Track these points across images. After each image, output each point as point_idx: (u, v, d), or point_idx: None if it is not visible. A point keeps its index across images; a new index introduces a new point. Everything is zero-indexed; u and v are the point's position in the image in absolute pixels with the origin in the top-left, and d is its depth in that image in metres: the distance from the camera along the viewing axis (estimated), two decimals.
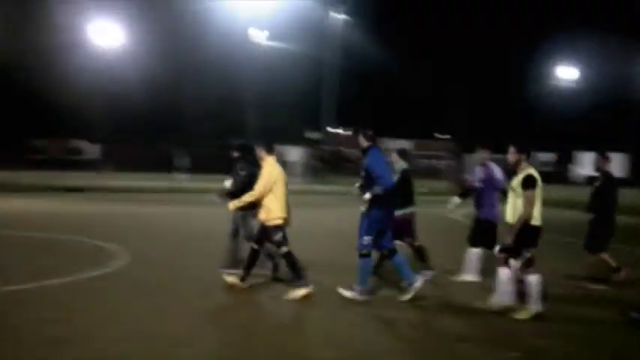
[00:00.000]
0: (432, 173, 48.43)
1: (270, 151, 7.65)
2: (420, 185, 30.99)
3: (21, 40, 43.62)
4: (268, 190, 7.39)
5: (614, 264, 8.80)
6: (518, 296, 7.04)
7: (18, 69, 43.64)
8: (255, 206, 7.61)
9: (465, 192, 9.10)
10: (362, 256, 7.31)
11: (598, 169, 9.06)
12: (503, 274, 6.96)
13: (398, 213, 8.00)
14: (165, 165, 36.44)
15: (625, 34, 48.51)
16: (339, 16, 45.24)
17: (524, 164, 7.05)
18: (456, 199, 8.96)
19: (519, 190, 6.90)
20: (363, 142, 7.56)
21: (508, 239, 6.86)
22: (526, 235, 6.79)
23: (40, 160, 38.32)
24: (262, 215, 7.48)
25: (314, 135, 57.48)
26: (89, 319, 6.29)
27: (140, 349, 5.40)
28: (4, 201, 18.08)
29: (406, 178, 8.64)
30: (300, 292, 7.30)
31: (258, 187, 7.40)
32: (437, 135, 62.25)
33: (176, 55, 49.53)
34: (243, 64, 45.42)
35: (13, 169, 24.87)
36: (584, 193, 9.65)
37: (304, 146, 48.71)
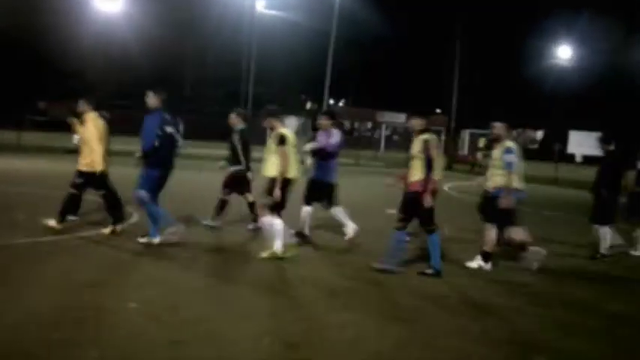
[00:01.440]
0: None
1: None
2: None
3: (25, 3, 43.82)
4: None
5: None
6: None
7: (22, 32, 43.85)
8: None
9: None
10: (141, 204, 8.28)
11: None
12: (267, 221, 7.97)
13: (230, 169, 9.77)
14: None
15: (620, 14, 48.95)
16: None
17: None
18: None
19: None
20: (153, 102, 8.30)
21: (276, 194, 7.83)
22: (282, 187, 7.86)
23: (42, 121, 38.69)
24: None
25: (313, 106, 58.04)
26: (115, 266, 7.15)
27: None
28: (5, 161, 19.11)
29: (243, 139, 9.62)
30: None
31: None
32: (437, 110, 62.70)
33: (177, 20, 49.65)
34: (242, 31, 45.77)
35: (17, 130, 25.44)
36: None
37: (301, 116, 49.29)
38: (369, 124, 57.56)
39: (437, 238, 7.63)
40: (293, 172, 8.00)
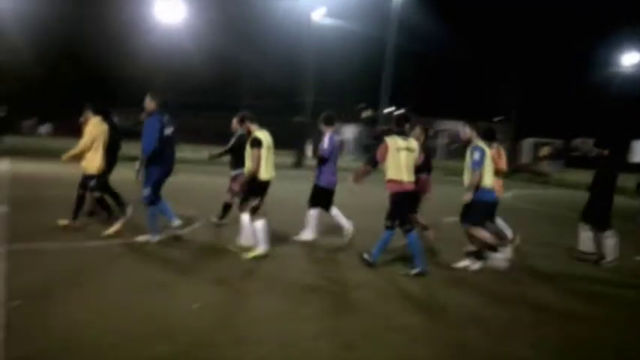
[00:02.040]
0: None
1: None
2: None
3: (89, 16, 45.47)
4: None
5: None
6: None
7: (87, 44, 45.51)
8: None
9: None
10: (151, 204, 8.57)
11: None
12: (245, 219, 8.37)
13: (234, 172, 10.00)
14: (225, 139, 37.60)
15: None
16: None
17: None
18: None
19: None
20: (150, 106, 8.56)
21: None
22: (252, 186, 8.16)
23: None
24: None
25: (368, 113, 57.88)
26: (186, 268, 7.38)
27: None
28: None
29: (241, 142, 9.49)
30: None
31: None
32: (495, 119, 61.60)
33: (237, 31, 50.49)
34: (303, 41, 46.10)
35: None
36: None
37: (358, 124, 49.25)
38: (430, 132, 57.00)
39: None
40: (266, 174, 8.20)
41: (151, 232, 8.71)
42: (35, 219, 9.73)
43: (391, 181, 7.82)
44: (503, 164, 9.51)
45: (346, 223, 9.48)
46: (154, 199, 8.61)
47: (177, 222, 8.83)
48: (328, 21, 47.16)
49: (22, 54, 47.28)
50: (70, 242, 8.36)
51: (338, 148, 9.48)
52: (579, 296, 7.49)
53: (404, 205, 7.91)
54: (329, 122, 9.49)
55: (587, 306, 7.06)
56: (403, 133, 8.04)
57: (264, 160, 8.16)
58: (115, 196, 9.85)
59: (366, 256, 8.08)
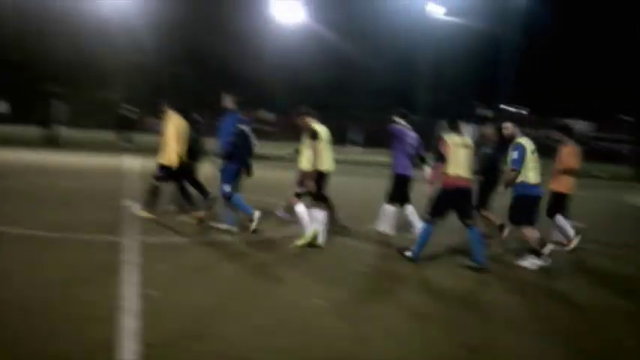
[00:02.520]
0: (614, 157, 45.61)
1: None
2: (600, 170, 29.84)
3: (212, 19, 47.39)
4: None
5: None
6: None
7: (209, 46, 47.42)
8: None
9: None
10: (227, 199, 9.03)
11: None
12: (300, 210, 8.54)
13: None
14: (338, 138, 38.02)
15: None
16: None
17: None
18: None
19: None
20: (228, 104, 9.05)
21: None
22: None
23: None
24: None
25: (486, 112, 56.39)
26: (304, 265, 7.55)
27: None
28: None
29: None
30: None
31: None
32: (622, 117, 58.23)
33: (351, 30, 50.76)
34: (417, 39, 45.69)
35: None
36: None
37: (476, 124, 48.01)
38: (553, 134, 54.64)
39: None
40: (325, 165, 8.57)
41: (227, 223, 9.15)
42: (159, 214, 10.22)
43: (448, 175, 7.76)
44: (574, 163, 9.48)
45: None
46: (231, 194, 9.00)
47: (257, 214, 9.04)
48: (443, 17, 46.47)
49: (150, 55, 50.06)
50: (197, 236, 8.79)
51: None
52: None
53: (450, 201, 7.84)
54: (402, 116, 9.71)
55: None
56: (457, 131, 7.98)
57: (323, 152, 8.54)
58: (200, 189, 10.22)
59: (408, 253, 8.01)
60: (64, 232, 8.30)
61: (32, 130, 27.73)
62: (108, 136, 29.67)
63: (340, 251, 8.52)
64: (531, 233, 8.14)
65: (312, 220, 8.48)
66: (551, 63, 57.06)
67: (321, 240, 8.51)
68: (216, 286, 6.38)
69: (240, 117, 9.08)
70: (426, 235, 7.93)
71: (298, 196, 8.63)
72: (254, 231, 9.00)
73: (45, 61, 47.72)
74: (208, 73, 50.56)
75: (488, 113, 56.72)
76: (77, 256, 7.17)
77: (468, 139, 7.98)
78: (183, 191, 10.06)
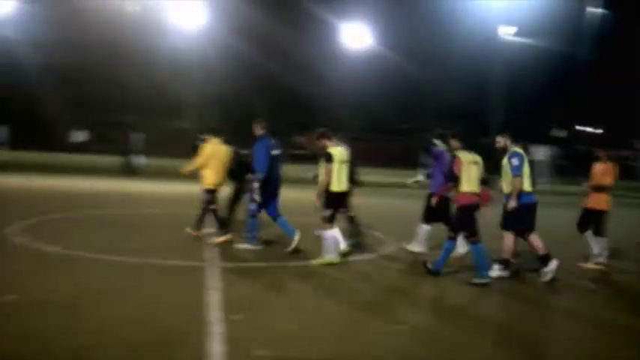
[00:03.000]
0: None
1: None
2: None
3: (283, 47, 48.37)
4: None
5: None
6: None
7: (279, 74, 48.32)
8: None
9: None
10: (252, 217, 9.54)
11: None
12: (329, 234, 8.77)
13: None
14: (409, 162, 37.71)
15: None
16: (595, 10, 42.78)
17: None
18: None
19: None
20: (258, 131, 9.58)
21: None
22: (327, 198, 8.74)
23: (300, 154, 40.37)
24: None
25: (560, 133, 55.10)
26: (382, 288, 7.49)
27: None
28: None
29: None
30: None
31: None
32: None
33: (419, 53, 50.71)
34: (489, 62, 45.18)
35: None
36: None
37: (550, 145, 46.86)
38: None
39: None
40: (337, 186, 8.74)
41: (249, 241, 9.56)
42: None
43: (464, 193, 8.09)
44: (608, 179, 9.45)
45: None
46: (257, 212, 9.51)
47: (297, 235, 9.35)
48: (515, 38, 45.87)
49: (223, 84, 51.41)
50: (273, 260, 8.88)
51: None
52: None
53: (472, 217, 8.12)
54: (440, 138, 10.03)
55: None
56: (467, 148, 8.38)
57: (336, 173, 8.73)
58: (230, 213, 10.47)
59: (429, 265, 8.33)
60: (147, 257, 8.54)
61: (111, 159, 28.82)
62: (183, 164, 30.46)
63: (412, 272, 8.44)
64: (510, 242, 8.44)
65: (330, 241, 8.79)
66: (621, 82, 55.17)
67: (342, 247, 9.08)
68: (296, 311, 6.41)
69: (270, 142, 9.55)
70: (480, 255, 8.07)
71: (328, 219, 8.77)
72: (293, 250, 9.28)
73: (121, 92, 49.74)
74: (280, 101, 51.52)
75: (562, 134, 55.44)
76: (161, 281, 7.35)
77: (477, 157, 8.32)
78: (215, 215, 10.24)
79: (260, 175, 9.34)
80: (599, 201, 9.45)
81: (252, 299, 6.71)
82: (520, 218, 8.33)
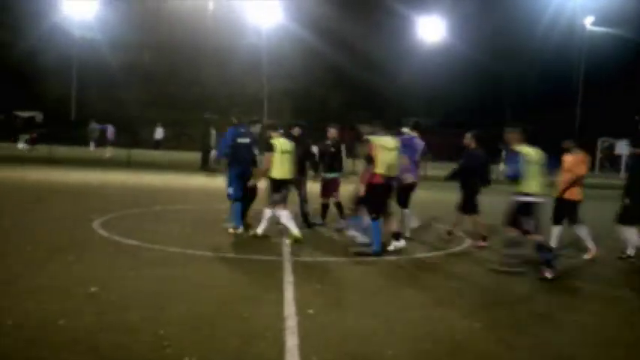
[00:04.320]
0: None
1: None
2: None
3: (357, 41, 48.34)
4: None
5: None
6: None
7: (352, 68, 48.33)
8: None
9: None
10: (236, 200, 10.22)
11: None
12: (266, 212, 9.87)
13: (329, 176, 11.37)
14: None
15: None
16: None
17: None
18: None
19: None
20: (233, 122, 10.63)
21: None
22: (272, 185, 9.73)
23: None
24: None
25: None
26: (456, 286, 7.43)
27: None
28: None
29: (338, 150, 11.42)
30: None
31: None
32: None
33: (497, 45, 49.62)
34: (569, 53, 43.74)
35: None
36: None
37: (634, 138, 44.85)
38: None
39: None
40: (278, 174, 9.65)
41: (234, 223, 10.18)
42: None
43: (375, 175, 8.80)
44: (581, 169, 9.50)
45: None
46: (237, 195, 10.20)
47: (230, 224, 10.19)
48: (598, 28, 44.21)
49: (299, 80, 51.89)
50: (346, 255, 8.90)
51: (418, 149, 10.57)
52: None
53: (379, 197, 8.87)
54: (416, 127, 10.80)
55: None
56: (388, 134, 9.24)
57: (278, 162, 9.61)
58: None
59: (373, 248, 8.82)
60: (224, 252, 8.75)
61: (191, 156, 29.55)
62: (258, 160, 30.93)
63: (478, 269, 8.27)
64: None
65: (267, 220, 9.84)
66: None
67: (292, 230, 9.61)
68: (369, 306, 6.41)
69: (240, 131, 10.38)
70: (376, 230, 8.86)
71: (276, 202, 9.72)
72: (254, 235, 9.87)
73: (202, 91, 50.98)
74: (353, 96, 51.51)
75: None
76: (237, 275, 7.50)
77: (394, 141, 9.08)
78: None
79: (218, 155, 10.53)
80: (572, 191, 9.46)
81: (328, 295, 6.74)
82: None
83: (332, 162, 11.46)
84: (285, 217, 9.68)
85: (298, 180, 10.89)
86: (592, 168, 45.14)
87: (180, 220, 11.44)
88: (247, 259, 8.37)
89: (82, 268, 7.34)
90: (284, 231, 10.00)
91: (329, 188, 11.47)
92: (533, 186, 8.00)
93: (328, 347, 5.09)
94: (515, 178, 8.04)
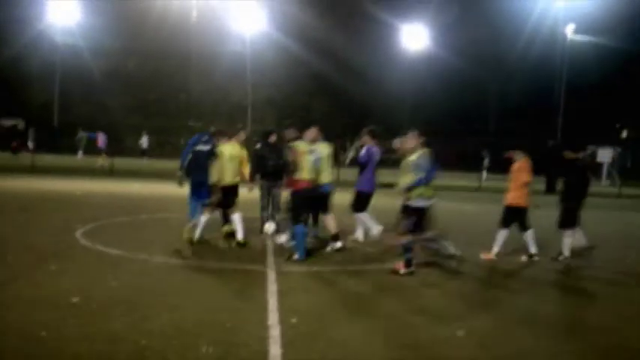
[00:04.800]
0: None
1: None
2: None
3: (338, 50, 48.57)
4: None
5: None
6: None
7: (336, 76, 48.53)
8: None
9: None
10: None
11: None
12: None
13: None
14: (469, 164, 37.04)
15: None
16: None
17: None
18: None
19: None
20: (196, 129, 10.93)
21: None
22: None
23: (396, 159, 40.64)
24: None
25: (628, 134, 53.35)
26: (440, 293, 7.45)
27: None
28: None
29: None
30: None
31: None
32: None
33: (479, 53, 49.98)
34: (551, 61, 44.17)
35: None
36: None
37: (615, 147, 45.33)
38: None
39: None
40: (223, 180, 9.83)
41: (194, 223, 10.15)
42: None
43: (297, 180, 9.00)
44: (524, 176, 9.85)
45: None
46: (194, 204, 10.34)
47: (193, 222, 10.04)
48: (579, 36, 44.72)
49: (283, 88, 51.93)
50: (335, 265, 8.93)
51: (375, 158, 10.75)
52: None
53: (302, 202, 9.03)
54: (373, 135, 10.91)
55: None
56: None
57: (225, 168, 9.84)
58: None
59: (295, 257, 8.91)
60: (208, 261, 8.76)
61: (171, 164, 29.37)
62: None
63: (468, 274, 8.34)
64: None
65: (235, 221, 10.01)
66: None
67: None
68: (352, 315, 6.43)
69: (202, 138, 10.40)
70: (299, 236, 9.02)
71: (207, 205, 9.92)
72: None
73: (186, 98, 50.88)
74: (337, 103, 51.63)
75: (631, 134, 53.53)
76: (221, 284, 7.51)
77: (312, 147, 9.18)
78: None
79: (180, 165, 10.54)
80: (518, 198, 9.80)
81: (310, 303, 6.76)
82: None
83: None
84: (204, 222, 9.90)
85: (274, 186, 10.97)
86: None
87: (165, 229, 11.43)
88: (231, 269, 8.37)
89: (65, 277, 7.31)
90: (268, 240, 10.02)
91: None
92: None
93: (311, 356, 5.11)
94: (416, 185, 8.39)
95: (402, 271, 8.32)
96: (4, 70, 46.16)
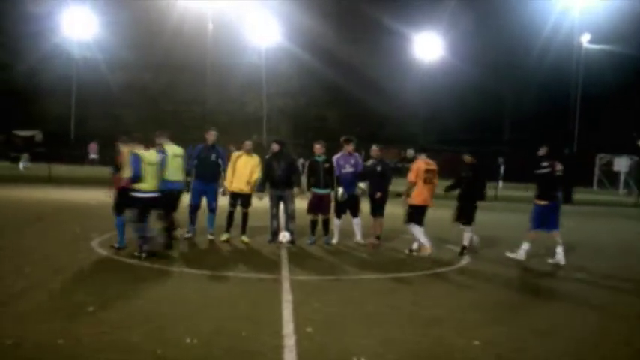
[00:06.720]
0: None
1: None
2: None
3: (353, 60, 48.57)
4: None
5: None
6: None
7: (350, 87, 48.56)
8: None
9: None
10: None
11: None
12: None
13: (321, 192, 11.46)
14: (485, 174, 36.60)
15: None
16: None
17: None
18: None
19: None
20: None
21: None
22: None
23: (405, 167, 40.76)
24: None
25: None
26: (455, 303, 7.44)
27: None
28: None
29: (332, 166, 11.52)
30: None
31: None
32: None
33: (495, 65, 49.85)
34: (566, 70, 43.91)
35: None
36: None
37: (632, 156, 44.88)
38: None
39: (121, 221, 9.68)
40: (144, 186, 9.47)
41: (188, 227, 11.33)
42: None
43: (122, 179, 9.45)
44: (411, 177, 10.77)
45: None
46: (194, 205, 11.32)
47: (182, 232, 11.12)
48: (595, 46, 44.45)
49: (298, 99, 52.05)
50: (345, 274, 8.91)
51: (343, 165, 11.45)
52: None
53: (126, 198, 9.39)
54: (348, 142, 11.56)
55: None
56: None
57: (147, 175, 9.58)
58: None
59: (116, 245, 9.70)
60: (224, 271, 8.77)
61: None
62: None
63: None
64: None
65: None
66: None
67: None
68: (368, 324, 6.38)
69: (206, 147, 11.25)
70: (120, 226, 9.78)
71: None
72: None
73: (201, 109, 51.17)
74: (351, 114, 51.67)
75: None
76: (236, 293, 7.50)
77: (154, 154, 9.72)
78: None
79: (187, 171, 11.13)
80: (413, 197, 10.64)
81: (326, 313, 6.73)
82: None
83: (325, 178, 11.50)
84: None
85: (283, 195, 11.18)
86: (590, 184, 45.16)
87: (179, 238, 11.44)
88: (246, 278, 8.38)
89: (81, 287, 7.35)
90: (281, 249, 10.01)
91: (319, 204, 11.49)
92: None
93: None
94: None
95: (139, 255, 9.18)
96: (20, 82, 46.73)
